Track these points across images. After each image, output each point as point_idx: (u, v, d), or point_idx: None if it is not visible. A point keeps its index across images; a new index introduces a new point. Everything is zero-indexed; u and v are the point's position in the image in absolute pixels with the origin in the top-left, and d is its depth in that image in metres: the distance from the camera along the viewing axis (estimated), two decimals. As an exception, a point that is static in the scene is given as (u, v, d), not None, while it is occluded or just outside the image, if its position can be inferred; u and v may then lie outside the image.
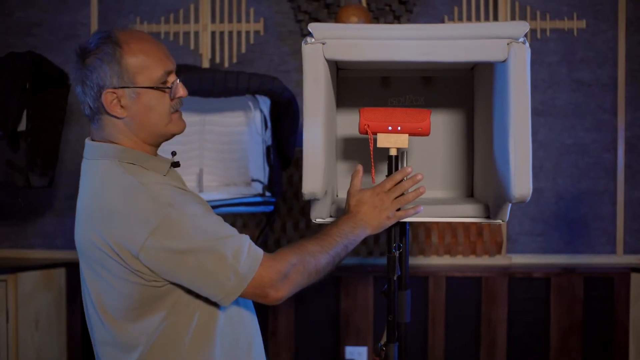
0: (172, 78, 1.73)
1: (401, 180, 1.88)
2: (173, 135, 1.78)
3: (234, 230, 1.70)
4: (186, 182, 1.91)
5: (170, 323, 1.68)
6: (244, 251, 1.64)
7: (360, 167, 1.93)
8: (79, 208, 1.72)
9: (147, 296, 1.66)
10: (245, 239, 1.67)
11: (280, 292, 1.67)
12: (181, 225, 1.60)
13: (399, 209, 1.88)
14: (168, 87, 1.71)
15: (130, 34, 1.71)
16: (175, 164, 1.82)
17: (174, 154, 1.86)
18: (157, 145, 1.80)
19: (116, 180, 1.66)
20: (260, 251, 1.67)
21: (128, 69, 1.67)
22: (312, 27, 1.92)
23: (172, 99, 1.73)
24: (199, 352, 1.70)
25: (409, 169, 1.88)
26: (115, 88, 1.67)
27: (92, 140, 1.76)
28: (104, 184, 1.68)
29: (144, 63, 1.68)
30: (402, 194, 1.88)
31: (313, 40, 1.92)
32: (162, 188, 1.65)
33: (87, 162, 1.75)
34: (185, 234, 1.60)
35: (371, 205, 1.85)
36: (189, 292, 1.68)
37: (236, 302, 1.76)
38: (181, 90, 1.75)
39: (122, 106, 1.69)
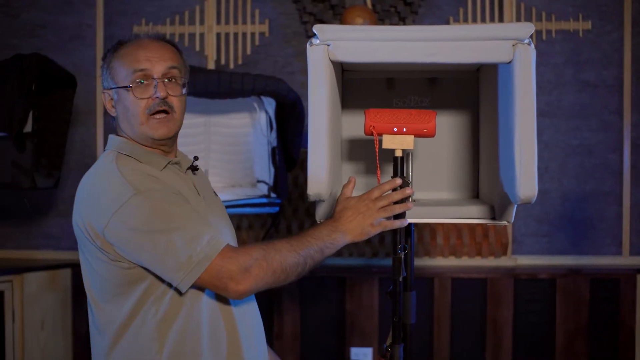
0: (140, 77, 1.77)
1: (393, 190, 1.85)
2: (153, 140, 1.81)
3: (201, 222, 1.71)
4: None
5: (143, 308, 1.71)
6: (203, 239, 1.66)
7: (353, 179, 1.90)
8: (78, 192, 1.81)
9: (118, 277, 1.71)
10: (209, 229, 1.69)
11: (242, 286, 1.66)
12: (145, 207, 1.65)
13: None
14: (128, 86, 1.77)
15: (132, 41, 1.83)
16: (194, 168, 1.91)
17: (196, 158, 1.93)
18: (155, 147, 1.84)
19: (101, 167, 1.77)
20: (222, 243, 1.68)
21: (111, 72, 1.81)
22: (317, 28, 1.92)
23: (140, 98, 1.77)
24: (169, 339, 1.71)
25: (399, 181, 1.85)
26: (105, 89, 1.84)
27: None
28: (92, 170, 1.79)
29: (121, 65, 1.80)
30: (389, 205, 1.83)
31: (318, 41, 1.92)
32: (137, 174, 1.71)
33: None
34: (147, 216, 1.65)
35: (355, 211, 1.80)
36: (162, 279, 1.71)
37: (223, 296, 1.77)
38: (157, 91, 1.77)
39: (112, 106, 1.84)
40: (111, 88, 1.82)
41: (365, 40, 1.92)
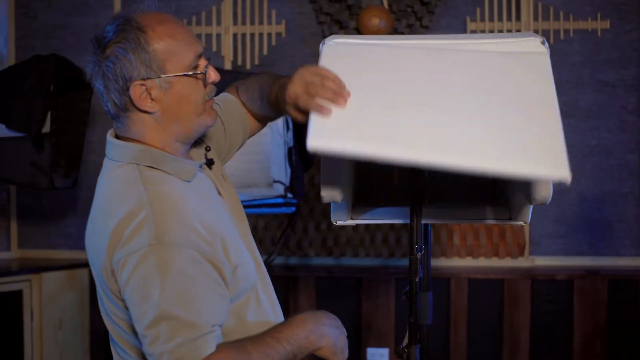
0: (203, 62, 1.55)
1: None
2: (206, 129, 1.63)
3: (201, 314, 1.44)
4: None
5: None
6: (192, 334, 1.42)
7: None
8: (92, 217, 1.58)
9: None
10: (208, 328, 1.45)
11: None
12: (152, 278, 1.42)
13: None
14: (202, 73, 1.54)
15: (152, 17, 1.52)
16: (209, 161, 1.68)
17: (207, 149, 1.73)
18: (188, 143, 1.62)
19: (126, 194, 1.51)
20: (206, 351, 1.43)
21: (156, 55, 1.49)
22: (333, 39, 1.91)
23: (205, 86, 1.57)
24: None
25: None
26: (144, 79, 1.49)
27: (116, 136, 1.60)
28: (115, 199, 1.53)
29: (172, 48, 1.51)
30: None
31: (331, 42, 1.92)
32: (169, 216, 1.46)
33: (107, 162, 1.63)
34: (152, 291, 1.42)
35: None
36: None
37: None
38: (213, 75, 1.58)
39: (152, 99, 1.51)
40: (157, 77, 1.50)
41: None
